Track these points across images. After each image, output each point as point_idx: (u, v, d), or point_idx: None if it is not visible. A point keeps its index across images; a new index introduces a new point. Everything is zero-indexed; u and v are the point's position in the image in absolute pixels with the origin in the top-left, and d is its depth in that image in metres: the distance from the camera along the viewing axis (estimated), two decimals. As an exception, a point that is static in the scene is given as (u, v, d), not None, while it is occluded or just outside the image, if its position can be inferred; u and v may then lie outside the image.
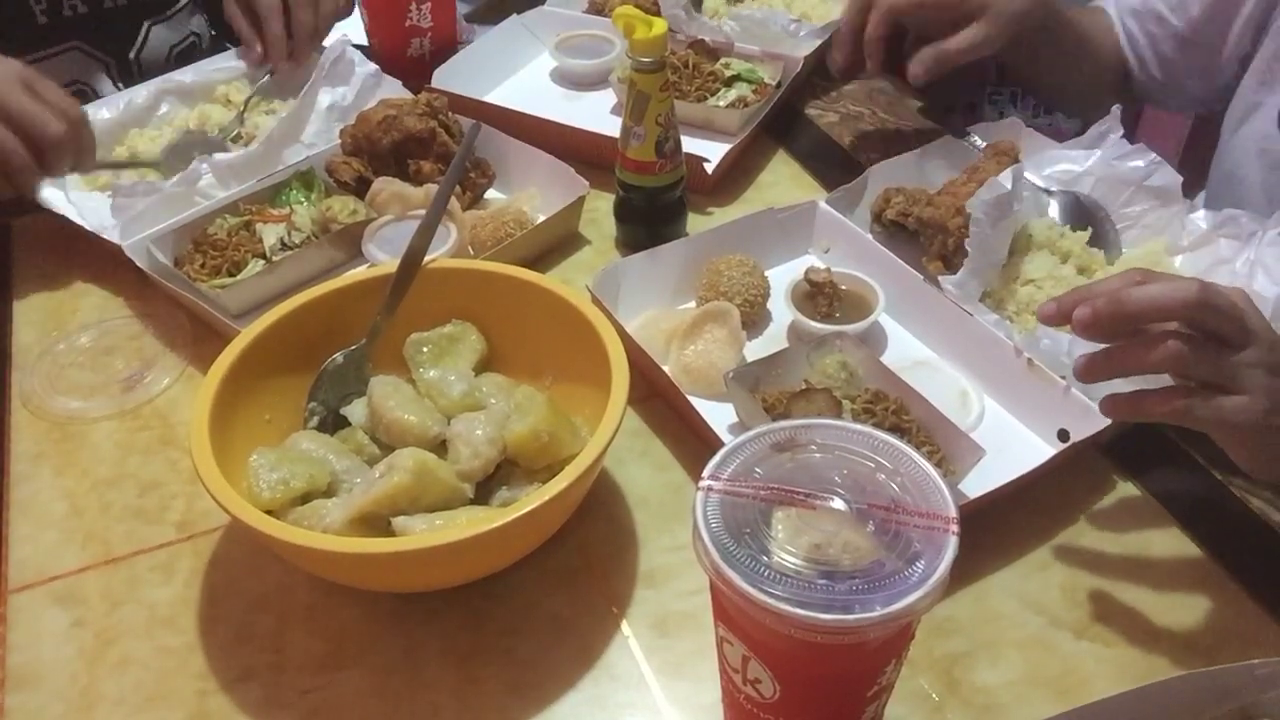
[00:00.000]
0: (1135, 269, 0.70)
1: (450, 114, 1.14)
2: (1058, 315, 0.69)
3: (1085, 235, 0.98)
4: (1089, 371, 0.69)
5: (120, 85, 1.31)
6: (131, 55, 1.33)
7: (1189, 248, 0.97)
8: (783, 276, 0.99)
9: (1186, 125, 1.35)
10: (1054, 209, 1.01)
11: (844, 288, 0.97)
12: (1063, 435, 0.82)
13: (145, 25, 1.34)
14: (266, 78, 1.26)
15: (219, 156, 1.11)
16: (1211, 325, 0.66)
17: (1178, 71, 1.18)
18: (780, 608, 0.49)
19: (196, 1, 1.40)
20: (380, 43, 1.37)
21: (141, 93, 1.23)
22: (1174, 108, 1.24)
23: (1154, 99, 1.23)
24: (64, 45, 1.27)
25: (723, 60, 1.29)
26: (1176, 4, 1.15)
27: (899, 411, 0.82)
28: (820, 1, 1.44)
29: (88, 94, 1.28)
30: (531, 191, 1.11)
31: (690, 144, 1.08)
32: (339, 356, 0.85)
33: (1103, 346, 0.68)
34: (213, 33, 1.44)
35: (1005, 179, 0.92)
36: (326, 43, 1.27)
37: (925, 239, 0.99)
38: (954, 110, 1.49)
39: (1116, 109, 1.01)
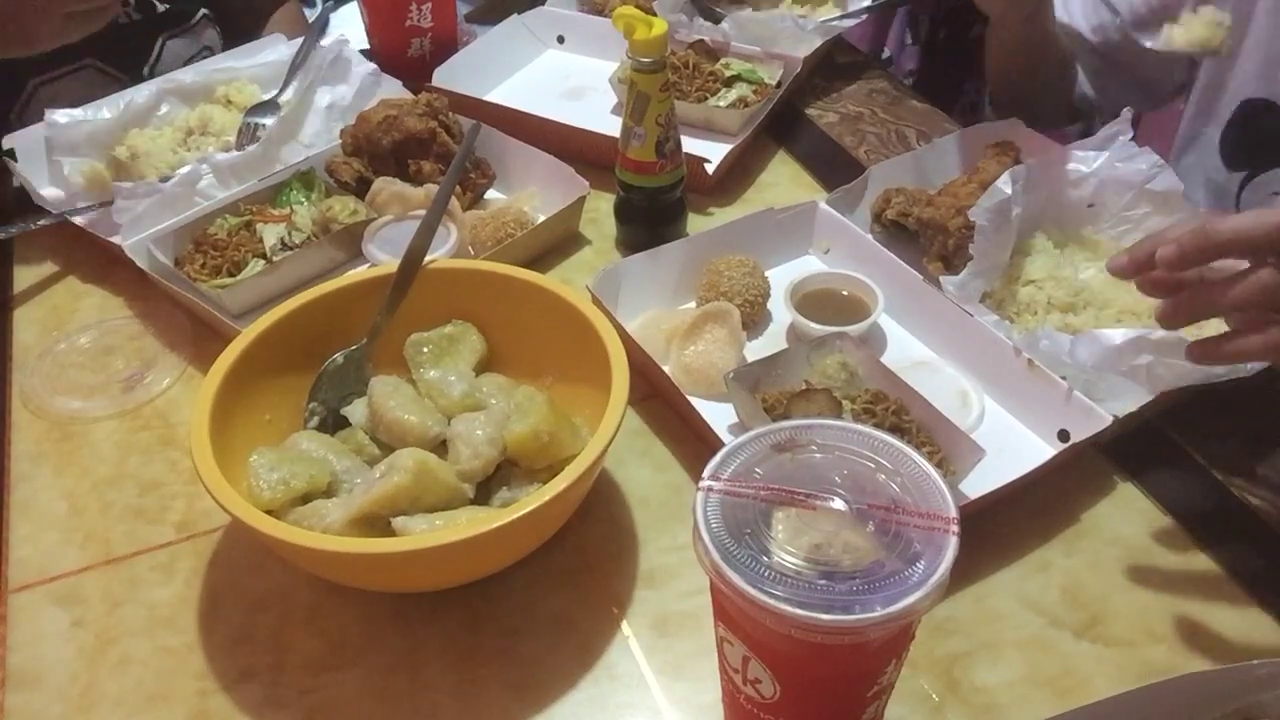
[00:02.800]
0: (1205, 210, 0.68)
1: (450, 114, 1.14)
2: (1130, 266, 0.67)
3: (1088, 235, 0.98)
4: (1174, 313, 0.66)
5: None
6: (145, 71, 1.33)
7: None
8: (783, 277, 0.99)
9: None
10: None
11: (844, 291, 0.97)
12: (1063, 435, 0.82)
13: (161, 40, 1.33)
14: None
15: (219, 156, 1.11)
16: None
17: (1119, 60, 1.17)
18: (780, 608, 0.49)
19: (210, 15, 1.40)
20: (380, 42, 1.37)
21: (142, 92, 1.22)
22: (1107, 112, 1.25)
23: (1096, 110, 1.23)
24: (78, 64, 1.27)
25: (723, 61, 1.29)
26: (1092, 27, 1.17)
27: (899, 412, 0.82)
28: (820, 1, 1.44)
29: None
30: (532, 191, 1.11)
31: (691, 144, 1.08)
32: (339, 356, 0.85)
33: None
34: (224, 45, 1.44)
35: (1005, 183, 0.92)
36: (325, 42, 1.27)
37: (925, 239, 0.99)
38: (954, 110, 1.50)
39: (1127, 111, 1.01)
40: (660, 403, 0.91)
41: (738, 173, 1.18)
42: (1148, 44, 1.02)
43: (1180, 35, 0.96)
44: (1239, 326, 0.67)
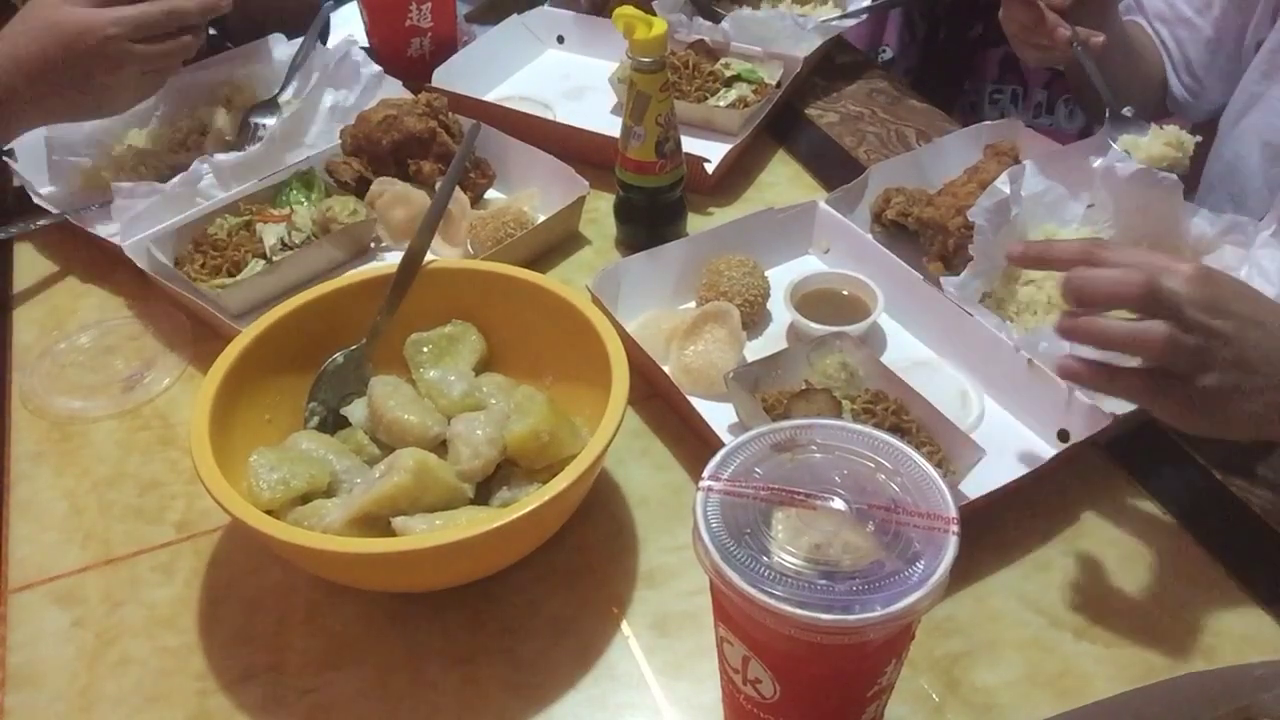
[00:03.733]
0: (1092, 240, 0.73)
1: (450, 114, 1.14)
2: (1022, 258, 0.75)
3: (1088, 235, 0.98)
4: (1066, 330, 0.70)
5: None
6: None
7: (1195, 256, 0.96)
8: (783, 276, 0.99)
9: (1185, 128, 1.36)
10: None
11: (844, 291, 0.97)
12: (1063, 435, 0.82)
13: None
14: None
15: (220, 157, 1.11)
16: (1160, 315, 0.66)
17: (1206, 74, 1.18)
18: (780, 608, 0.49)
19: None
20: (380, 43, 1.37)
21: (142, 92, 1.22)
22: (1199, 116, 1.24)
23: (1185, 109, 1.22)
24: None
25: (723, 60, 1.29)
26: (1201, 5, 1.16)
27: (899, 412, 0.82)
28: (820, 1, 1.44)
29: None
30: (532, 191, 1.11)
31: (690, 144, 1.08)
32: (339, 356, 0.85)
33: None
34: (211, 30, 1.43)
35: (1005, 183, 0.92)
36: (331, 43, 1.27)
37: (925, 239, 0.99)
38: (954, 110, 1.50)
39: (1128, 111, 1.01)
40: (660, 403, 0.91)
41: (738, 173, 1.18)
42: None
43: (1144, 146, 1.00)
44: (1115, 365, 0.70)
